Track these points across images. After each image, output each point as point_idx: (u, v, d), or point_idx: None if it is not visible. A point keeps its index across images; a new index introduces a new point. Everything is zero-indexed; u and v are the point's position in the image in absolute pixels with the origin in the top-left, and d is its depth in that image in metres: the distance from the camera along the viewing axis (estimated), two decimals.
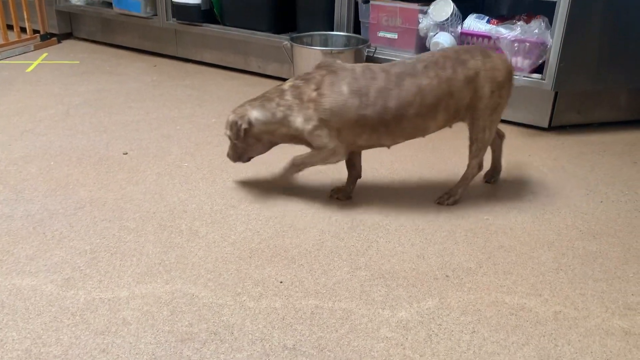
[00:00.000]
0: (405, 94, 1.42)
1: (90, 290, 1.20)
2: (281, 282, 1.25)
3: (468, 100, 1.46)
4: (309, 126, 1.46)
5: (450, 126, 1.55)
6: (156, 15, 2.92)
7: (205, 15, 2.78)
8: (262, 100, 1.53)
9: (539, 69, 2.08)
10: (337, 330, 1.12)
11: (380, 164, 1.85)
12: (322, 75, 1.47)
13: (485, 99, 1.46)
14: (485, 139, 1.54)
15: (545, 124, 2.16)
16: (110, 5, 3.13)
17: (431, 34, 2.19)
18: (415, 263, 1.34)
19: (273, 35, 2.61)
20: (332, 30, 2.44)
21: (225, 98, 2.47)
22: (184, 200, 1.59)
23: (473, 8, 2.27)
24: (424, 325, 1.14)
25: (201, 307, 1.16)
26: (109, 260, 1.31)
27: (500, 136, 1.69)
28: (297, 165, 1.55)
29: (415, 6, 2.25)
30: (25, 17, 3.11)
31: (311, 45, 2.34)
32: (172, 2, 2.81)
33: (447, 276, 1.30)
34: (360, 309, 1.18)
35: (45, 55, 3.05)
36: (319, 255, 1.36)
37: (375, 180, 1.74)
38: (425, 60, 1.46)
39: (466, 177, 1.61)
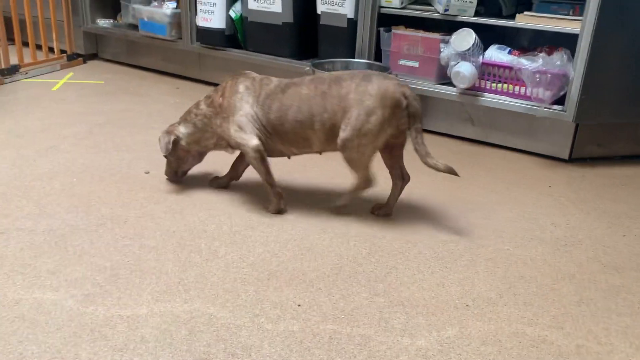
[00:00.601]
0: (286, 99, 1.58)
1: (109, 306, 1.21)
2: (299, 306, 1.25)
3: (340, 120, 1.52)
4: (222, 128, 1.64)
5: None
6: (180, 38, 2.99)
7: (228, 39, 2.83)
8: (184, 115, 1.74)
9: (561, 100, 2.08)
10: (355, 357, 1.11)
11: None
12: (226, 81, 1.67)
13: (353, 120, 1.50)
14: (354, 160, 1.55)
15: (566, 156, 2.15)
16: (135, 27, 3.21)
17: (452, 63, 2.20)
18: (435, 291, 1.33)
19: (294, 60, 2.64)
20: (353, 57, 2.47)
21: None
22: (203, 220, 1.60)
23: (495, 39, 2.29)
24: (444, 355, 1.13)
25: (219, 328, 1.16)
26: (129, 277, 1.31)
27: (404, 178, 1.66)
28: (266, 185, 1.65)
29: (437, 35, 2.28)
30: (54, 37, 3.19)
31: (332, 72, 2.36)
32: (196, 26, 2.87)
33: (467, 305, 1.28)
34: (379, 336, 1.17)
35: (71, 74, 3.12)
36: (337, 279, 1.36)
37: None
38: (315, 76, 1.63)
39: (352, 190, 1.64)
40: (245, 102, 1.60)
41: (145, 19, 3.03)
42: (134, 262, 1.38)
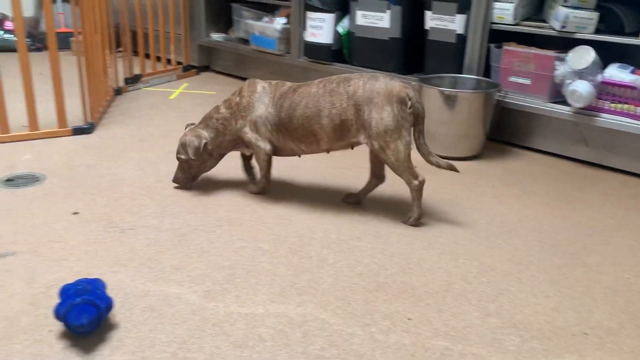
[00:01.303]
0: (297, 97, 1.68)
1: (228, 303, 1.27)
2: (409, 319, 1.25)
3: (354, 118, 1.62)
4: (238, 125, 1.75)
5: (352, 147, 1.70)
6: (288, 52, 3.10)
7: (334, 54, 2.90)
8: (205, 121, 1.82)
9: None
10: None
11: (509, 208, 1.80)
12: (243, 85, 1.78)
13: (367, 118, 1.60)
14: (390, 158, 1.62)
15: None
16: (246, 41, 3.38)
17: (568, 81, 2.12)
18: (550, 316, 1.28)
19: (400, 75, 2.66)
20: (461, 73, 2.44)
21: None
22: (312, 228, 1.65)
23: (615, 57, 2.18)
24: None
25: (332, 333, 1.19)
26: (245, 277, 1.38)
27: (379, 179, 1.78)
28: (261, 179, 1.82)
29: (551, 53, 2.20)
30: (172, 49, 3.43)
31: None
32: (304, 41, 2.97)
33: (585, 334, 1.23)
34: (492, 356, 1.14)
35: (185, 85, 3.34)
36: (446, 296, 1.34)
37: (504, 225, 1.70)
38: (325, 78, 1.71)
39: (413, 197, 1.68)
40: (262, 103, 1.71)
41: (257, 34, 3.18)
42: (249, 263, 1.45)
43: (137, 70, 3.24)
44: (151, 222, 1.65)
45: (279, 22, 3.09)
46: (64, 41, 4.19)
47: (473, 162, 2.26)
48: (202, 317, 1.22)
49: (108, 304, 1.14)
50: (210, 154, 1.82)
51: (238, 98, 1.76)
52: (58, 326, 1.16)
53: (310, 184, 1.97)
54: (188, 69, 3.54)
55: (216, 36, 3.57)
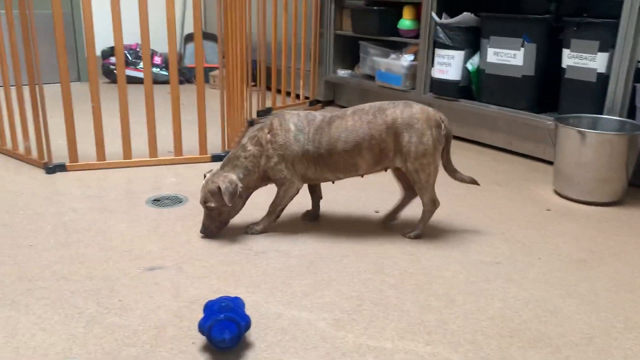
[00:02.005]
0: (334, 132, 1.69)
1: (357, 334, 1.29)
2: None
3: (392, 145, 1.68)
4: (271, 163, 1.73)
5: (385, 170, 1.78)
6: (414, 89, 3.12)
7: (461, 90, 2.88)
8: (230, 163, 1.75)
9: None
10: None
11: None
12: (271, 120, 1.75)
13: (406, 144, 1.67)
14: (422, 180, 1.72)
15: None
16: (370, 77, 3.46)
17: None
18: None
19: (531, 114, 2.57)
20: (601, 113, 2.31)
21: (474, 170, 2.49)
22: (438, 266, 1.62)
23: None
24: None
25: None
26: (373, 310, 1.39)
27: (412, 192, 1.85)
28: (272, 212, 1.81)
29: None
30: (301, 85, 3.60)
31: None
32: (431, 77, 2.98)
33: None
34: None
35: None
36: (587, 350, 1.25)
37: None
38: (356, 108, 1.73)
39: (423, 216, 1.79)
40: (297, 141, 1.70)
41: (383, 70, 3.25)
42: (376, 295, 1.45)
43: (268, 104, 3.44)
44: (282, 247, 1.72)
45: (406, 59, 3.14)
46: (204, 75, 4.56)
47: (613, 209, 2.10)
48: (332, 345, 1.25)
49: (247, 322, 1.20)
50: (240, 196, 1.74)
51: (269, 135, 1.72)
52: (201, 339, 1.25)
53: (434, 221, 1.95)
54: (314, 103, 3.69)
55: (342, 72, 3.70)
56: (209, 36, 4.80)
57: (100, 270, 1.55)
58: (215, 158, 2.55)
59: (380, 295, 1.46)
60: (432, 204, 1.77)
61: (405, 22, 3.16)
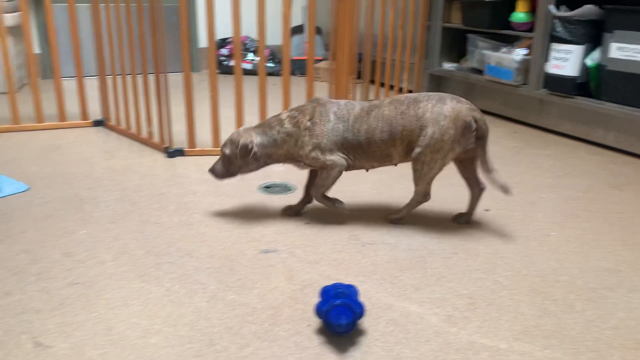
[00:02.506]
0: (372, 121, 1.71)
1: (471, 332, 1.28)
2: None
3: (417, 137, 1.69)
4: (305, 150, 1.74)
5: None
6: (525, 84, 3.00)
7: (578, 87, 2.72)
8: (263, 127, 1.79)
9: None
10: None
11: None
12: (313, 107, 1.76)
13: (428, 137, 1.67)
14: (423, 171, 1.72)
15: None
16: (477, 71, 3.36)
17: None
18: None
19: None
20: None
21: (591, 173, 2.36)
22: (555, 270, 1.56)
23: None
24: None
25: None
26: (486, 309, 1.37)
27: (479, 187, 1.84)
28: (317, 195, 1.81)
29: None
30: (405, 78, 3.58)
31: None
32: (545, 73, 2.85)
33: None
34: None
35: None
36: None
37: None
38: (393, 98, 1.74)
39: (410, 203, 1.82)
40: (336, 130, 1.73)
41: (492, 64, 3.15)
42: (489, 295, 1.43)
43: (371, 96, 3.45)
44: (389, 240, 1.73)
45: (519, 52, 3.02)
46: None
47: None
48: (445, 341, 1.24)
49: (362, 309, 1.23)
50: (257, 160, 1.78)
51: (309, 122, 1.73)
52: (316, 322, 1.29)
53: (548, 222, 1.87)
54: None
55: (448, 66, 3.63)
56: (315, 29, 4.89)
57: (219, 249, 1.65)
58: None
59: (493, 295, 1.43)
60: (422, 196, 1.78)
61: (519, 15, 3.03)
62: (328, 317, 1.20)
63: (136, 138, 2.73)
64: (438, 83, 3.74)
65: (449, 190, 2.15)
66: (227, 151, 1.78)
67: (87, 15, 4.22)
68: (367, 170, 1.89)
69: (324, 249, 1.67)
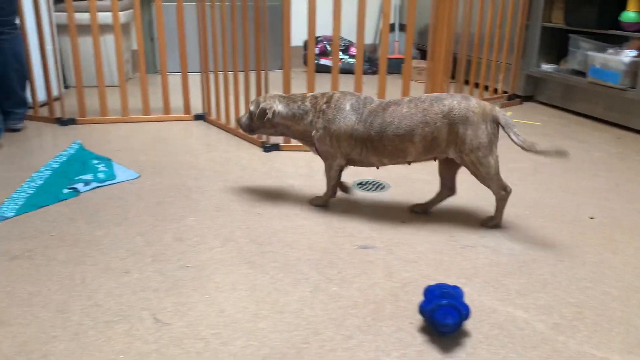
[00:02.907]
0: (387, 116, 1.73)
1: (580, 342, 1.24)
2: None
3: (445, 135, 1.69)
4: (318, 132, 1.81)
5: (434, 159, 1.78)
6: (634, 87, 2.84)
7: None
8: (288, 100, 1.87)
9: None
10: None
11: None
12: (334, 94, 1.83)
13: (461, 135, 1.67)
14: (482, 173, 1.72)
15: None
16: (579, 73, 3.21)
17: None
18: None
19: None
20: None
21: None
22: None
23: None
24: None
25: None
26: (595, 320, 1.32)
27: (450, 190, 1.86)
28: (327, 186, 1.91)
29: None
30: (500, 78, 3.48)
31: None
32: None
33: None
34: None
35: (509, 113, 3.35)
36: None
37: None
38: (413, 97, 1.76)
39: (498, 205, 1.79)
40: (348, 120, 1.77)
41: (597, 66, 3.00)
42: (598, 306, 1.38)
43: None
44: (489, 243, 1.70)
45: (628, 54, 2.85)
46: (396, 66, 4.65)
47: None
48: (553, 348, 1.21)
49: (467, 311, 1.23)
50: (274, 126, 1.89)
51: (325, 106, 1.80)
52: (418, 320, 1.30)
53: None
54: (512, 98, 3.54)
55: (546, 67, 3.49)
56: (404, 27, 4.86)
57: (318, 242, 1.69)
58: None
59: (602, 306, 1.38)
60: (502, 191, 1.75)
61: (630, 15, 2.87)
62: (433, 317, 1.21)
63: (235, 132, 2.85)
64: (535, 84, 3.61)
65: (551, 198, 2.08)
66: (252, 108, 1.92)
67: (192, 13, 4.43)
68: (377, 168, 1.88)
69: (422, 248, 1.67)
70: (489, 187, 1.75)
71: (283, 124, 1.88)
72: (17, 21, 2.72)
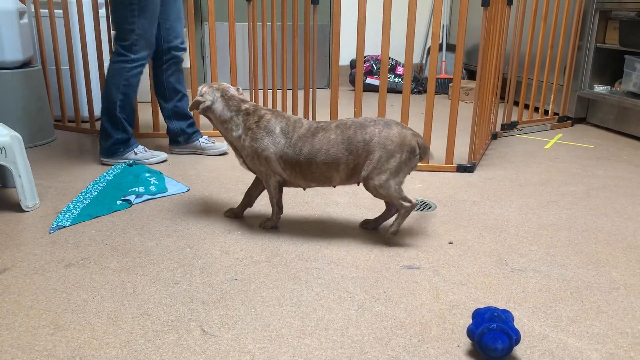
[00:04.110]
0: (316, 143, 1.74)
1: None
2: None
3: (364, 161, 1.73)
4: (246, 150, 1.82)
5: (357, 184, 1.81)
6: None
7: None
8: (233, 100, 1.84)
9: None
10: None
11: None
12: (267, 113, 1.82)
13: (374, 162, 1.71)
14: (384, 194, 1.75)
15: None
16: (635, 96, 3.11)
17: None
18: None
19: None
20: None
21: None
22: None
23: None
24: None
25: None
26: None
27: (396, 207, 1.80)
28: (272, 206, 1.89)
29: None
30: (552, 99, 3.41)
31: None
32: None
33: None
34: None
35: (560, 135, 3.27)
36: None
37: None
38: (339, 122, 1.78)
39: (400, 215, 1.80)
40: (277, 144, 1.77)
41: None
42: None
43: (514, 118, 3.33)
44: (540, 268, 1.66)
45: None
46: (443, 86, 4.62)
47: None
48: None
49: (517, 336, 1.20)
50: (209, 118, 1.88)
51: (254, 125, 1.79)
52: (466, 344, 1.28)
53: None
54: (563, 120, 3.46)
55: (600, 88, 3.40)
56: (451, 48, 4.84)
57: (363, 260, 1.69)
58: (461, 168, 2.57)
59: None
60: (406, 205, 1.77)
61: None
62: (482, 340, 1.18)
63: None
64: (587, 106, 3.52)
65: (606, 223, 2.01)
66: (193, 103, 1.88)
67: (243, 32, 4.55)
68: (304, 189, 1.90)
69: (469, 271, 1.64)
70: (393, 203, 1.79)
71: (220, 123, 1.86)
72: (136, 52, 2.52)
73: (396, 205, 1.79)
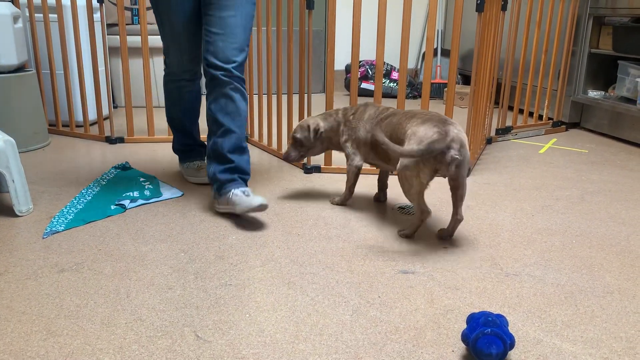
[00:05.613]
0: (384, 126, 1.91)
1: None
2: None
3: None
4: (343, 138, 2.10)
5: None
6: None
7: None
8: (325, 115, 2.15)
9: None
10: None
11: None
12: (360, 106, 2.09)
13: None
14: (405, 189, 1.81)
15: None
16: (629, 101, 3.13)
17: None
18: None
19: None
20: None
21: None
22: None
23: None
24: None
25: None
26: None
27: (456, 217, 1.85)
28: (346, 186, 2.16)
29: None
30: (546, 105, 3.43)
31: None
32: None
33: None
34: None
35: (554, 140, 3.28)
36: None
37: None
38: (408, 110, 1.90)
39: (413, 221, 1.89)
40: (364, 129, 2.01)
41: None
42: None
43: (508, 122, 3.34)
44: (534, 272, 1.66)
45: None
46: (437, 91, 4.64)
47: None
48: None
49: (512, 341, 1.20)
50: (321, 142, 2.14)
51: (352, 116, 2.07)
52: (461, 349, 1.28)
53: None
54: (557, 125, 3.48)
55: (593, 93, 3.42)
56: (446, 53, 4.86)
57: (358, 265, 1.69)
58: None
59: None
60: (419, 213, 1.83)
61: None
62: (477, 345, 1.18)
63: (276, 154, 2.88)
64: (581, 111, 3.54)
65: (600, 228, 2.02)
66: (298, 135, 2.13)
67: None
68: (392, 173, 2.15)
69: (464, 275, 1.64)
70: (411, 202, 1.84)
71: (327, 138, 2.14)
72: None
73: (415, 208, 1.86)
